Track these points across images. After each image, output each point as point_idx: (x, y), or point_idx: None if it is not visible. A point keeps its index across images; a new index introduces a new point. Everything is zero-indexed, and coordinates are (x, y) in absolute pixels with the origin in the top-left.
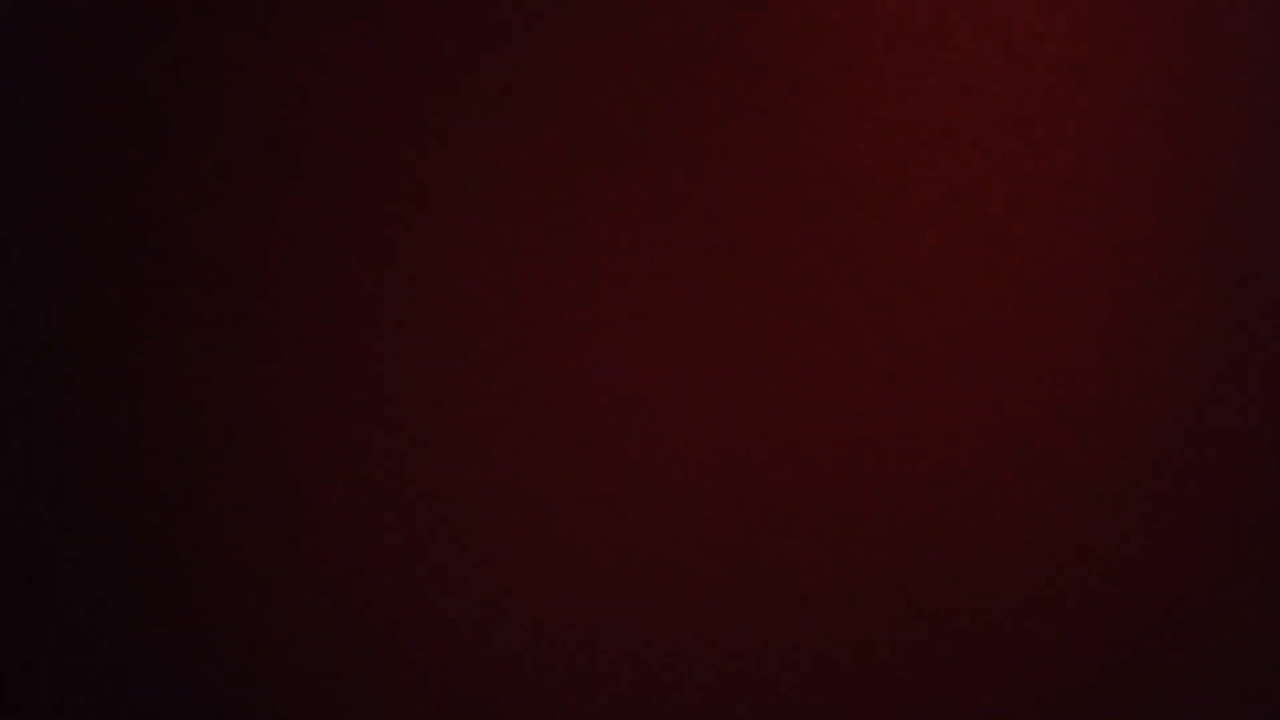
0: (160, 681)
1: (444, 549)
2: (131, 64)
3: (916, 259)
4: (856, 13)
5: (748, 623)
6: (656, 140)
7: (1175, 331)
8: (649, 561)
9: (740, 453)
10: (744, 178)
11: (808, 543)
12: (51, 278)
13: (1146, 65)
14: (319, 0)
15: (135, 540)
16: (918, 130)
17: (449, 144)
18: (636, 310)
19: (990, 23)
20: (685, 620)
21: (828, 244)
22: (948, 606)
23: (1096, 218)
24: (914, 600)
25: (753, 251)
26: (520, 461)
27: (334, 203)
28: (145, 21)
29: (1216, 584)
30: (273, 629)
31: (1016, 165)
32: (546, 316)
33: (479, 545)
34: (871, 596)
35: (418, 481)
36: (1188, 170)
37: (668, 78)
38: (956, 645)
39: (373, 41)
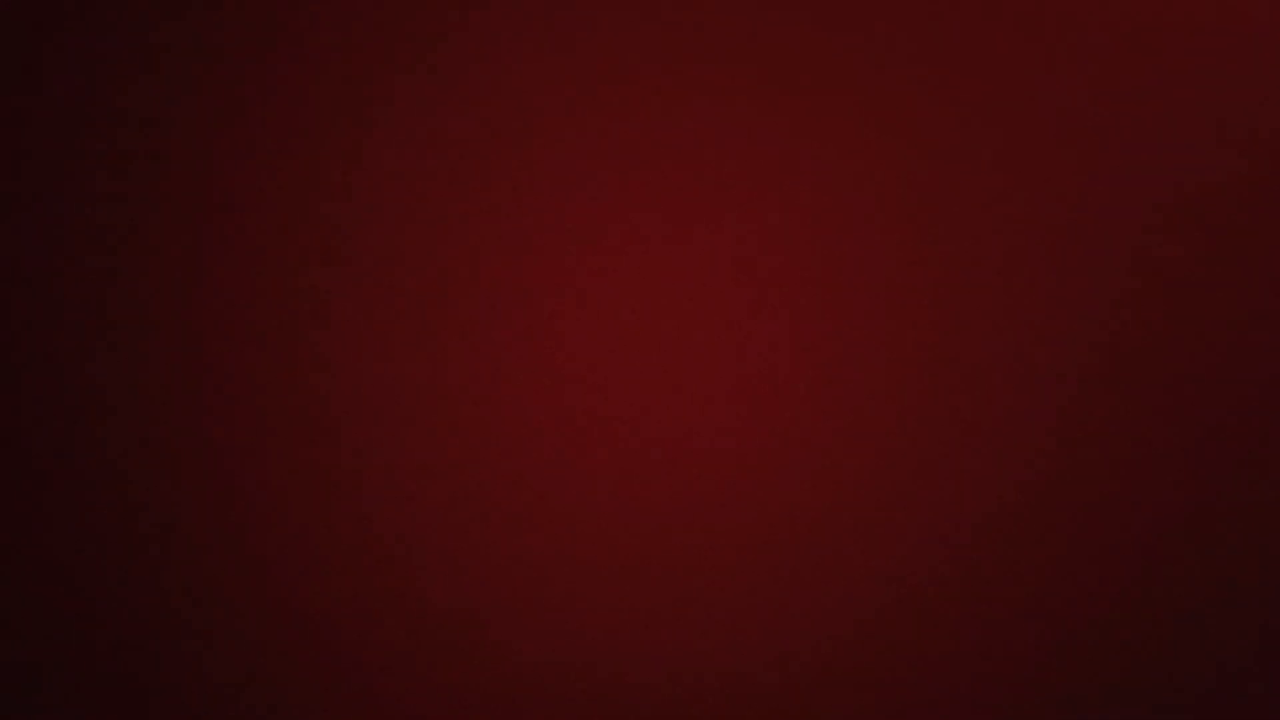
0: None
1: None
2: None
3: (922, 261)
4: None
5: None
6: (653, 143)
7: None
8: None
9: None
10: (747, 183)
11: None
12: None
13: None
14: (320, 2)
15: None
16: (927, 135)
17: (450, 145)
18: (635, 310)
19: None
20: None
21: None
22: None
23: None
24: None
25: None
26: (514, 459)
27: (344, 201)
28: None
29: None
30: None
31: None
32: (543, 315)
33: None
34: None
35: (417, 476)
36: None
37: (675, 79)
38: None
39: (375, 43)
